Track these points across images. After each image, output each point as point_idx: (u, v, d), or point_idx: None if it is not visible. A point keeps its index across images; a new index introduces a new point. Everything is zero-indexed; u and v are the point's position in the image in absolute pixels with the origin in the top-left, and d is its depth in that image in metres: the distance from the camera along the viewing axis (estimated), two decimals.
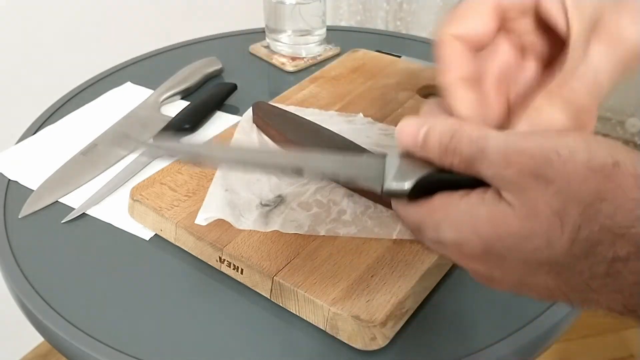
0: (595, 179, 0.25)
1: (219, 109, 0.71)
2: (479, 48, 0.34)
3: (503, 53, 0.35)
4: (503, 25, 0.35)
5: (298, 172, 0.33)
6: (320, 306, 0.44)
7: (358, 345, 0.44)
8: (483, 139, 0.28)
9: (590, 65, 0.30)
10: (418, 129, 0.30)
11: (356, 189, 0.53)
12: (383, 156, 0.32)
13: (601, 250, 0.26)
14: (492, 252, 0.28)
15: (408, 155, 0.32)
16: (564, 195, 0.26)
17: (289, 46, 0.81)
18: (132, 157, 0.63)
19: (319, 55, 0.82)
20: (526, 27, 0.34)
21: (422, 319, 0.47)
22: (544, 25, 0.33)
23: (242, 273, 0.48)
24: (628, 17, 0.30)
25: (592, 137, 0.27)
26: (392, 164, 0.31)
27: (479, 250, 0.28)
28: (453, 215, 0.29)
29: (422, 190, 0.31)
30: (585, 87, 0.30)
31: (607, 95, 0.31)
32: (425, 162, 0.31)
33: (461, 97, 0.32)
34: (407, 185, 0.31)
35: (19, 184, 0.61)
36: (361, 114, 0.64)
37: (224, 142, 0.37)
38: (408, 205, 0.31)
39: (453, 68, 0.33)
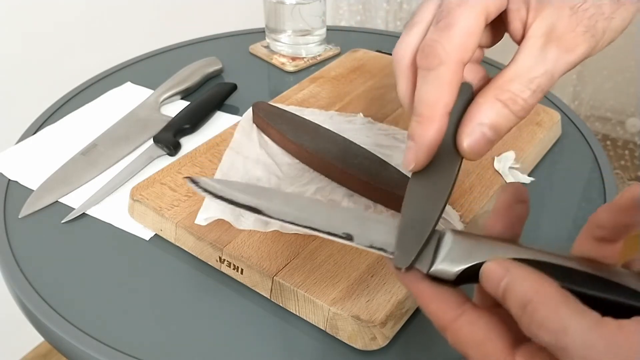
0: None
1: (219, 109, 0.71)
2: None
3: None
4: None
5: (348, 237, 0.33)
6: (320, 306, 0.44)
7: (358, 345, 0.44)
8: (562, 333, 0.26)
9: (549, 64, 0.33)
10: (500, 279, 0.28)
11: (357, 190, 0.53)
12: (437, 234, 0.31)
13: None
14: None
15: (461, 236, 0.30)
16: None
17: (289, 46, 0.81)
18: (132, 157, 0.63)
19: (319, 55, 0.82)
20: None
21: (422, 319, 0.47)
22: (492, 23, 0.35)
23: (242, 273, 0.48)
24: (581, 28, 0.33)
25: None
26: (445, 243, 0.30)
27: None
28: None
29: (470, 276, 0.30)
30: (545, 83, 0.33)
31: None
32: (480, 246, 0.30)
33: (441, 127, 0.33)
34: (456, 269, 0.29)
35: (19, 184, 0.61)
36: (361, 114, 0.64)
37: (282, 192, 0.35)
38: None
39: (449, 102, 0.33)
